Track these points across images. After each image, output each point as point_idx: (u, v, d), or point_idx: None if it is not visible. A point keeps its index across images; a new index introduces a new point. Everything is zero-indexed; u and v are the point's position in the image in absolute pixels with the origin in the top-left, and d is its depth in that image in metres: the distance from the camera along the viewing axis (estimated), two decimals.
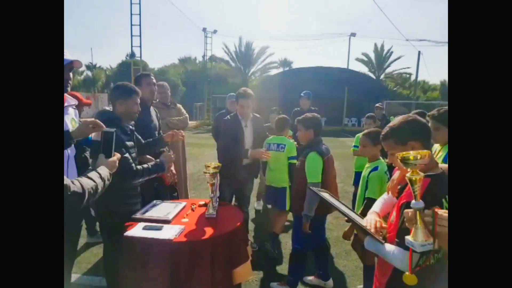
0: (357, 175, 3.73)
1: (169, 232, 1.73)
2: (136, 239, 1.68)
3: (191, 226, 1.87)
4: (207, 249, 1.70)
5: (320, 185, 2.19)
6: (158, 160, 2.12)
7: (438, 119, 2.00)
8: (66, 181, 1.02)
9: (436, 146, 2.15)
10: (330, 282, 2.53)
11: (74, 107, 1.74)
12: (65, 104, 1.64)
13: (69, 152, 1.55)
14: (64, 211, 1.13)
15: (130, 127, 2.07)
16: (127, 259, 1.71)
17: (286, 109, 4.60)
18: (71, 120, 1.68)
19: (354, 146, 3.69)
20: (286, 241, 3.23)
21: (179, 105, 3.68)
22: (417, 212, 0.88)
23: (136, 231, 1.75)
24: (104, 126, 1.44)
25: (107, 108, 2.07)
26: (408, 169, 0.91)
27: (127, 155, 1.88)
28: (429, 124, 1.80)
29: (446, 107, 1.92)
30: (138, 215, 1.97)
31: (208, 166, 2.16)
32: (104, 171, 1.27)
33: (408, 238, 0.89)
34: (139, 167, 1.97)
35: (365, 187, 2.11)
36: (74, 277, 2.44)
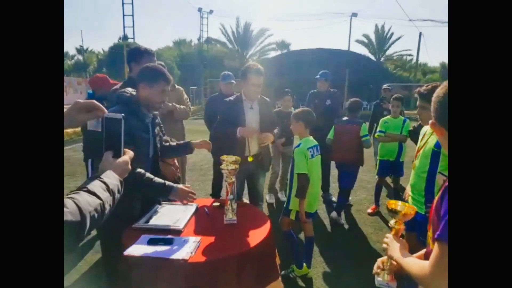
0: (382, 164, 3.37)
1: (183, 249, 1.35)
2: (141, 259, 1.30)
3: (209, 237, 1.49)
4: (232, 269, 1.33)
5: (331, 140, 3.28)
6: (168, 183, 1.61)
7: (426, 97, 1.68)
8: None
9: (426, 129, 1.87)
10: (333, 213, 3.29)
11: None
12: None
13: None
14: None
15: (151, 116, 1.65)
16: (129, 282, 1.34)
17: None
18: None
19: (379, 131, 3.30)
20: None
21: (179, 88, 3.22)
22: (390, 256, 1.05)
23: (140, 248, 1.36)
24: (105, 110, 0.93)
25: (130, 90, 1.63)
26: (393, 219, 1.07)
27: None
28: (417, 103, 1.80)
29: (435, 83, 1.70)
30: (140, 223, 1.58)
31: (225, 160, 1.76)
32: (111, 178, 0.85)
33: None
34: (141, 170, 1.54)
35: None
36: None
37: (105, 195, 0.77)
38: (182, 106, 2.99)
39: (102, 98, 2.62)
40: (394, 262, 1.04)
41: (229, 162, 1.74)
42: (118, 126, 0.91)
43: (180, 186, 1.63)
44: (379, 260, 1.11)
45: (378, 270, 1.10)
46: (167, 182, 1.57)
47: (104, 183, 0.80)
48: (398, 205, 1.06)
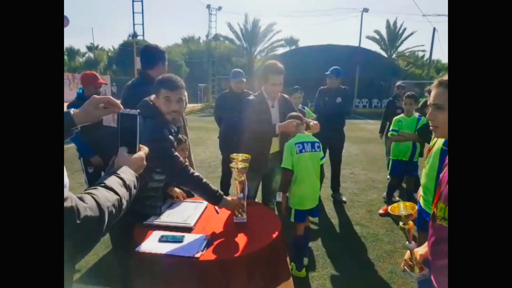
0: (395, 164, 3.29)
1: (193, 246, 1.34)
2: (152, 256, 1.30)
3: (220, 236, 1.48)
4: (242, 268, 1.32)
5: None
6: (217, 190, 1.56)
7: None
8: (72, 201, 0.61)
9: None
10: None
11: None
12: None
13: None
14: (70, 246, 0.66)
15: (175, 128, 1.61)
16: (140, 278, 1.34)
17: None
18: None
19: (393, 130, 3.23)
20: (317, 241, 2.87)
21: None
22: (411, 251, 1.13)
23: (151, 244, 1.36)
24: (121, 106, 0.96)
25: (152, 98, 1.57)
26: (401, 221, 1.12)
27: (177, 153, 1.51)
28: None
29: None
30: (152, 220, 1.58)
31: (235, 159, 1.74)
32: (128, 174, 0.84)
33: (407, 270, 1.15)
34: (199, 174, 1.55)
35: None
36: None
37: (122, 191, 0.77)
38: None
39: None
40: (417, 255, 1.12)
41: (239, 160, 1.73)
42: (133, 122, 0.91)
43: (230, 197, 1.61)
44: (406, 258, 1.16)
45: (407, 267, 1.15)
46: (219, 191, 1.56)
47: (121, 178, 0.80)
48: (399, 208, 1.12)
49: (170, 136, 1.52)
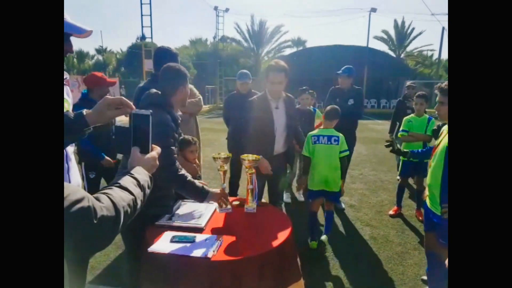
0: (405, 164, 3.25)
1: (205, 247, 1.35)
2: (164, 256, 1.31)
3: (231, 236, 1.48)
4: (254, 268, 1.32)
5: None
6: (202, 187, 1.62)
7: (445, 92, 1.72)
8: (89, 201, 0.61)
9: (445, 127, 1.85)
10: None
11: (64, 82, 1.32)
12: None
13: (68, 149, 1.13)
14: (90, 245, 0.67)
15: (178, 117, 1.67)
16: (152, 279, 1.36)
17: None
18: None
19: (402, 130, 3.19)
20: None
21: (189, 85, 3.20)
22: None
23: (163, 245, 1.38)
24: (133, 106, 0.95)
25: (154, 90, 1.64)
26: None
27: (174, 148, 1.54)
28: (437, 98, 1.81)
29: None
30: (163, 220, 1.60)
31: (245, 159, 1.78)
32: (141, 174, 0.85)
33: None
34: (184, 173, 1.57)
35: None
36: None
37: (136, 191, 0.78)
38: (192, 100, 2.97)
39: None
40: None
41: (249, 160, 1.75)
42: (146, 122, 0.91)
43: (214, 190, 1.66)
44: None
45: None
46: (205, 187, 1.60)
47: (135, 178, 0.81)
48: None
49: (172, 124, 1.56)
